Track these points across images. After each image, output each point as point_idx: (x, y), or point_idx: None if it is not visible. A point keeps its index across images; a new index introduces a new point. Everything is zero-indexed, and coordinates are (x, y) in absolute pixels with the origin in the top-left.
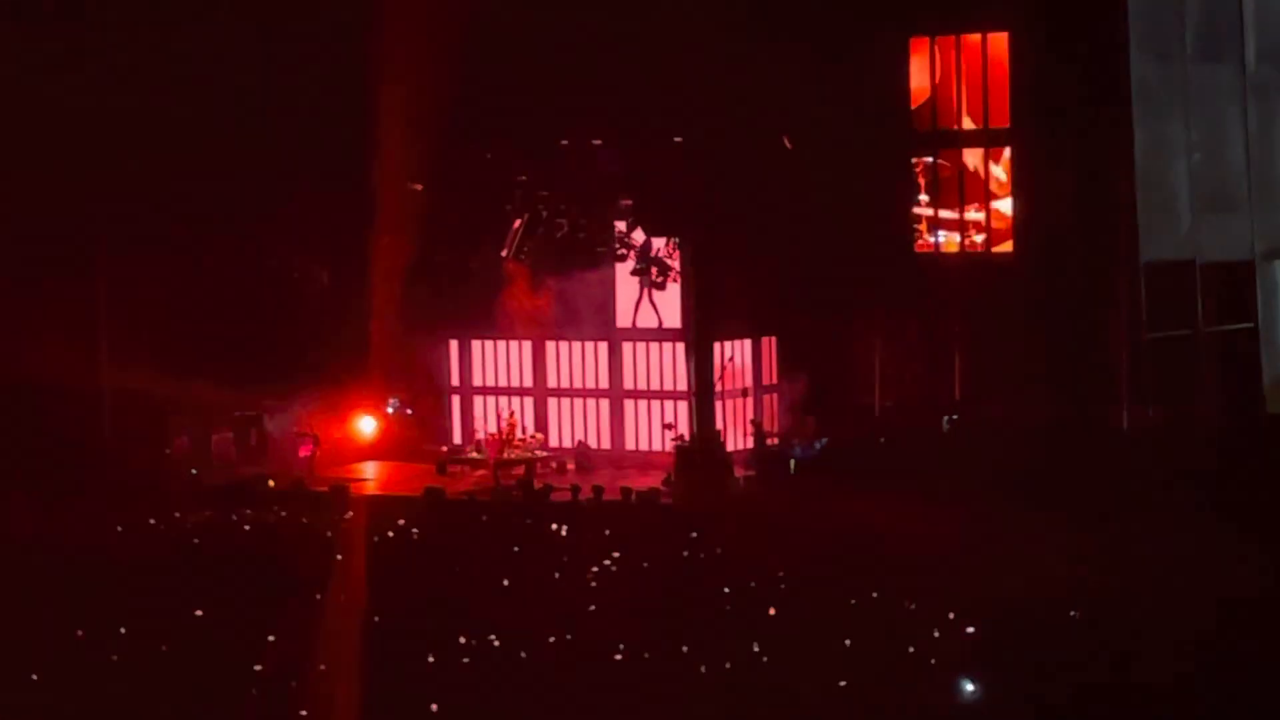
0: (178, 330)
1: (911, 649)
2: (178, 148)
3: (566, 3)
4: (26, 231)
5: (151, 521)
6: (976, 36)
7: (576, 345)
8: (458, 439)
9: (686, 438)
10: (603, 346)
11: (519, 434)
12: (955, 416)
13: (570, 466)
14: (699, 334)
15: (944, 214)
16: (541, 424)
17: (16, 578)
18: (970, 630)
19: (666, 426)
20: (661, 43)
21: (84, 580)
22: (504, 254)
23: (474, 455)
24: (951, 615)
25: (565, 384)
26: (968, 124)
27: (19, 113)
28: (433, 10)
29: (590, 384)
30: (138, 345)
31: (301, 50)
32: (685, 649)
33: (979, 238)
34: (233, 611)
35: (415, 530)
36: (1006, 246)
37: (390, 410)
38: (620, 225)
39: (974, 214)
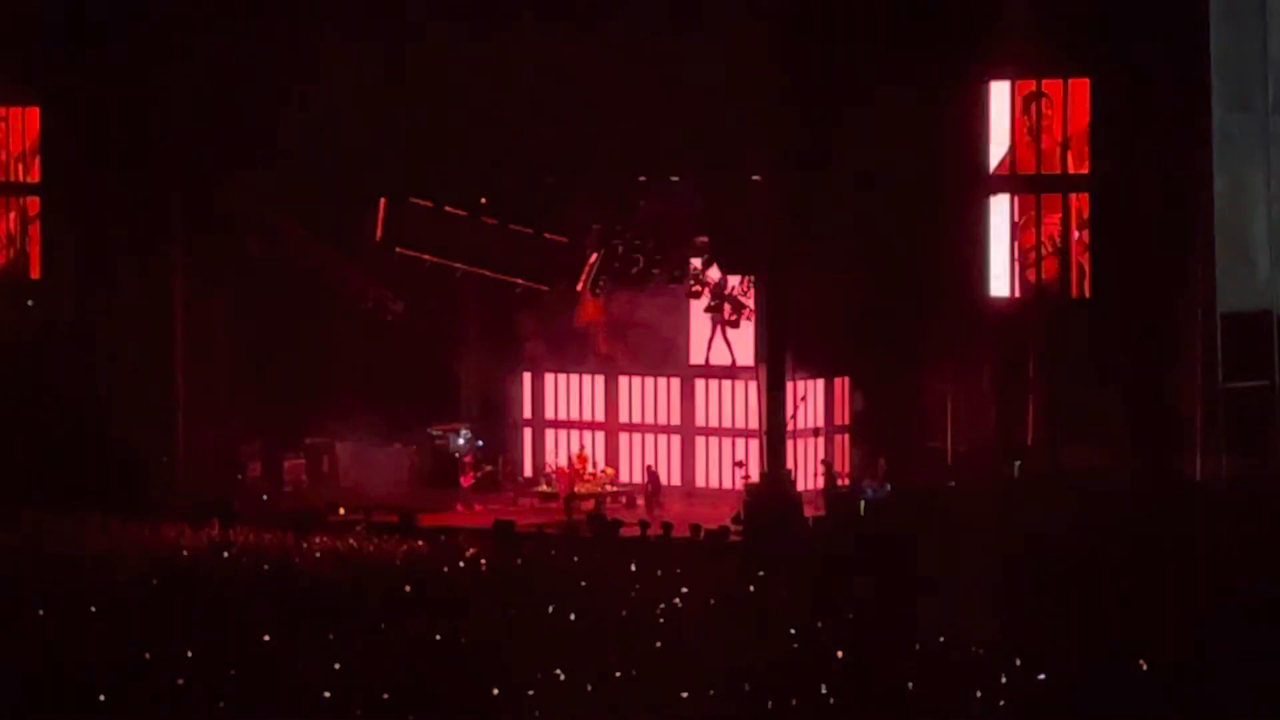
0: (252, 354)
1: (978, 694)
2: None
3: (646, 44)
4: (103, 248)
5: (219, 545)
6: (1057, 82)
7: (649, 380)
8: (528, 472)
9: (756, 476)
10: (675, 382)
11: (589, 468)
12: (1025, 462)
13: (640, 501)
14: (772, 372)
15: (1020, 258)
16: (612, 459)
17: (87, 598)
18: (1041, 677)
19: (737, 464)
20: (740, 82)
21: (153, 601)
22: (579, 288)
23: (544, 489)
24: (1019, 661)
25: (637, 419)
26: (1046, 169)
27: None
28: (515, 48)
29: (662, 420)
30: (214, 369)
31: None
32: (748, 688)
33: (1055, 283)
34: (300, 637)
35: (484, 561)
36: (1083, 292)
37: (461, 441)
38: (696, 262)
39: (1051, 259)
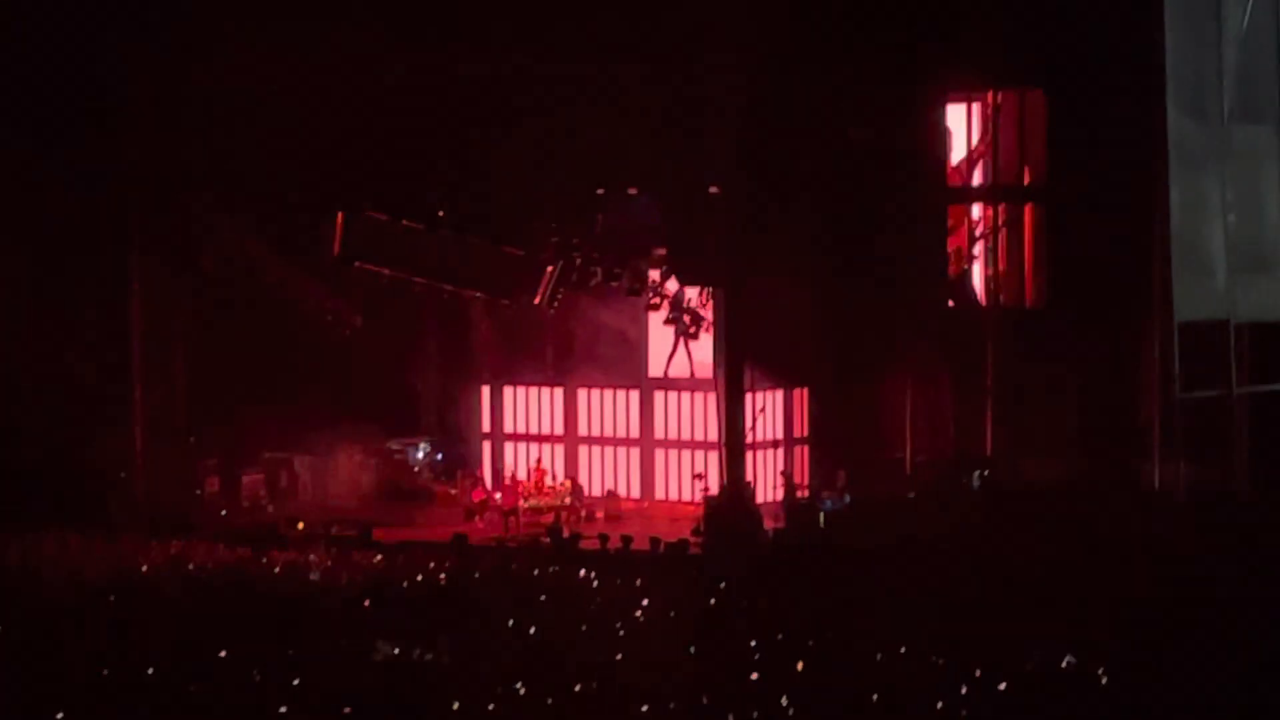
0: (210, 370)
1: (940, 704)
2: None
3: (604, 57)
4: (61, 263)
5: (179, 561)
6: (1013, 93)
7: (608, 393)
8: (488, 485)
9: (716, 488)
10: (634, 395)
11: (548, 481)
12: (986, 473)
13: (599, 515)
14: (730, 384)
15: (977, 269)
16: (571, 472)
17: (44, 614)
18: (1001, 687)
19: (697, 477)
20: (698, 94)
21: (112, 618)
22: (537, 301)
23: (496, 502)
24: (979, 671)
25: (596, 432)
26: (1003, 180)
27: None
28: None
29: (621, 432)
30: (172, 384)
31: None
32: (708, 701)
33: (1012, 294)
34: (260, 653)
35: (442, 576)
36: (1040, 301)
37: (420, 455)
38: (654, 274)
39: (1008, 270)
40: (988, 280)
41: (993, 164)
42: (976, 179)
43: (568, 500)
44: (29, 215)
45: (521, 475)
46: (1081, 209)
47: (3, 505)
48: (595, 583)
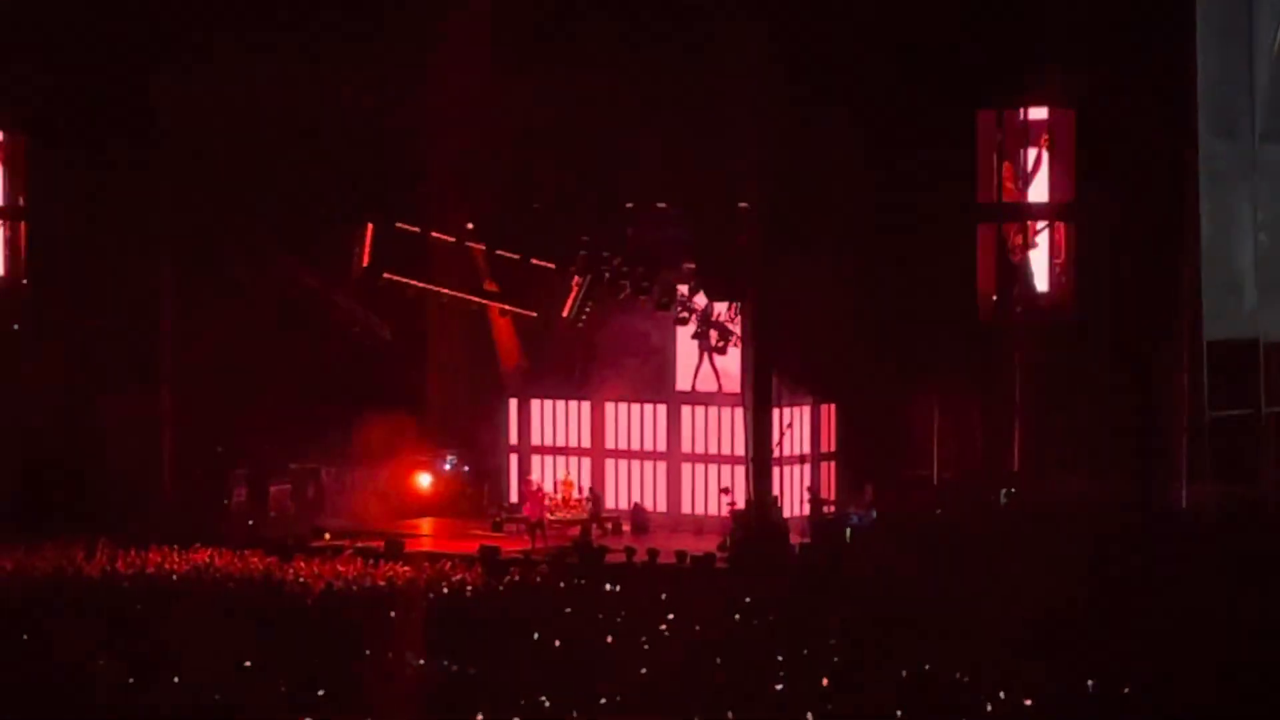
0: (239, 380)
1: None
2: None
3: (633, 70)
4: (90, 275)
5: (207, 570)
6: (1043, 111)
7: (635, 407)
8: (514, 498)
9: (742, 503)
10: (661, 409)
11: (574, 494)
12: (1013, 490)
13: (626, 528)
14: (758, 399)
15: (1007, 286)
16: (598, 485)
17: (72, 622)
18: (1027, 703)
19: (723, 491)
20: (728, 109)
21: (139, 626)
22: (565, 314)
23: (522, 514)
24: (1002, 694)
25: (623, 445)
26: (1033, 197)
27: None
28: (502, 73)
29: (648, 446)
30: (201, 395)
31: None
32: (733, 715)
33: (1041, 311)
34: (285, 663)
35: (470, 587)
36: (1070, 320)
37: (447, 467)
38: (682, 289)
39: (1037, 288)
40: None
41: (1023, 182)
42: (1029, 196)
43: (587, 509)
44: (61, 222)
45: (548, 488)
46: (1111, 227)
47: (33, 514)
48: (620, 596)
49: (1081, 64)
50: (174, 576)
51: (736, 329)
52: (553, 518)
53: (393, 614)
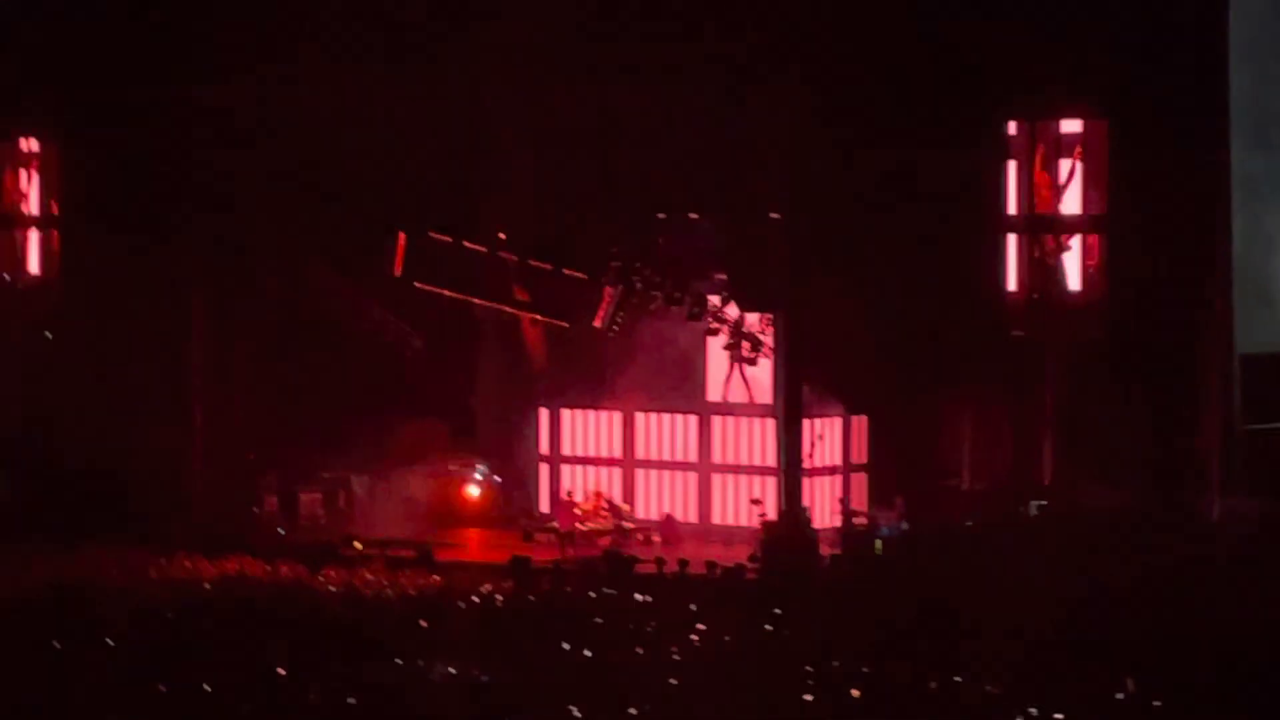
0: (269, 388)
1: None
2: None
3: (666, 81)
4: (121, 283)
5: (236, 578)
6: (1076, 121)
7: (666, 417)
8: (545, 508)
9: (773, 514)
10: (692, 419)
11: (604, 505)
12: (1044, 502)
13: (656, 539)
14: (789, 410)
15: (1038, 297)
16: (628, 495)
17: (102, 630)
18: (1058, 718)
19: (754, 502)
20: (760, 119)
21: (168, 635)
22: (597, 324)
23: (555, 524)
24: (1034, 710)
25: (653, 456)
26: (1064, 208)
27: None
28: (536, 86)
29: (678, 456)
30: (231, 402)
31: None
32: None
33: (1073, 323)
34: (315, 672)
35: (500, 597)
36: (1100, 332)
37: (478, 476)
38: (714, 299)
39: (1068, 298)
40: (1046, 309)
41: (1055, 193)
42: (1061, 208)
43: (625, 524)
44: (93, 230)
45: (578, 498)
46: (1143, 239)
47: (61, 521)
48: (651, 606)
49: (1113, 75)
50: (206, 584)
51: (768, 340)
52: (584, 528)
53: (423, 623)
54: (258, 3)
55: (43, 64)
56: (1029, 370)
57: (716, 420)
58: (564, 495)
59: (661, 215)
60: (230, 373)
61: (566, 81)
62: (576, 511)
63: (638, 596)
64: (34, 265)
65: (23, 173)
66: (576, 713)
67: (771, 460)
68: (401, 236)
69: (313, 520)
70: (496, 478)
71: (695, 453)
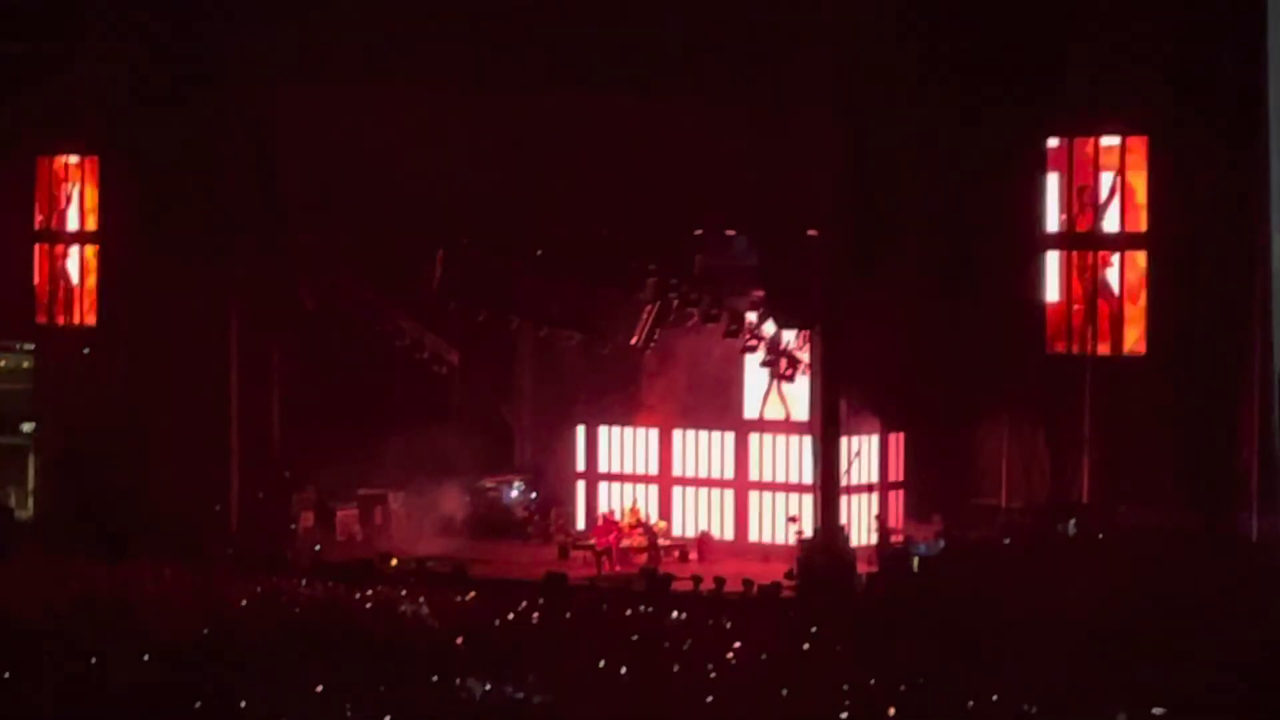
0: (307, 404)
1: None
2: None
3: (703, 98)
4: (159, 297)
5: (273, 595)
6: (1115, 139)
7: (703, 434)
8: (582, 524)
9: (810, 532)
10: (729, 436)
11: (641, 522)
12: (1081, 520)
13: (693, 556)
14: (826, 428)
15: (1076, 315)
16: (665, 512)
17: (139, 646)
18: None
19: (791, 519)
20: (798, 136)
21: (206, 650)
22: (634, 341)
23: (593, 542)
24: None
25: (690, 473)
26: (1103, 226)
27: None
28: (572, 103)
29: (715, 474)
30: (268, 419)
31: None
32: None
33: (1111, 340)
34: (352, 689)
35: (536, 614)
36: (1139, 349)
37: (515, 493)
38: (751, 316)
39: (1107, 316)
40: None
41: (1095, 210)
42: (1101, 225)
43: (661, 541)
44: (132, 246)
45: (616, 515)
46: (1182, 256)
47: (100, 539)
48: (687, 624)
49: (1152, 92)
50: (243, 601)
51: (805, 357)
52: (621, 545)
53: (459, 640)
54: (300, 19)
55: (85, 79)
56: (1067, 387)
57: (753, 437)
58: (602, 513)
59: (699, 231)
60: (267, 390)
61: (606, 99)
62: (614, 529)
63: (674, 614)
64: (74, 277)
65: (64, 187)
66: None
67: (808, 478)
68: (440, 254)
69: (349, 537)
70: (533, 494)
71: (732, 470)
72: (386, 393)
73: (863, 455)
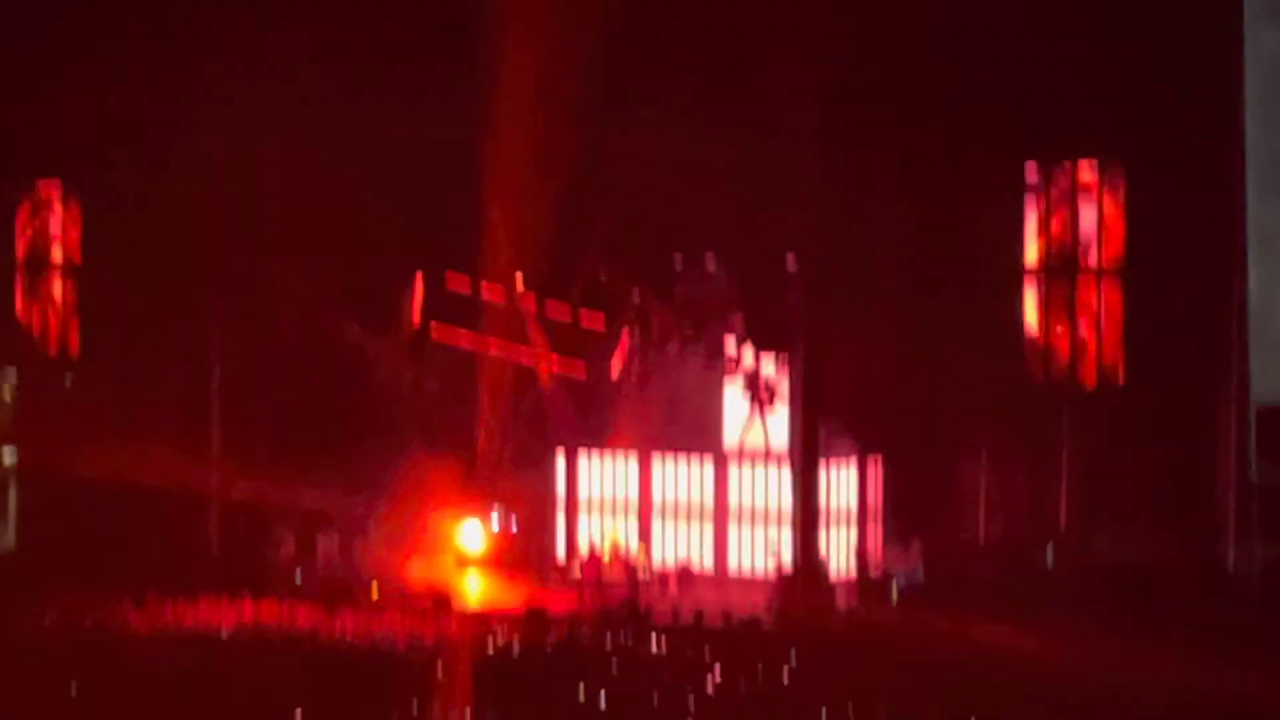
0: (287, 433)
1: None
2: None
3: (683, 126)
4: (141, 328)
5: (253, 623)
6: (1092, 167)
7: (682, 462)
8: (561, 552)
9: (789, 561)
10: (708, 465)
11: (620, 553)
12: (1060, 549)
13: (672, 588)
14: (805, 458)
15: (1054, 345)
16: (645, 542)
17: (121, 677)
18: None
19: (770, 552)
20: (776, 165)
21: (189, 681)
22: (613, 367)
23: (575, 575)
24: None
25: (670, 500)
26: (1081, 257)
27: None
28: (551, 130)
29: (695, 502)
30: (249, 447)
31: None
32: None
33: (1089, 370)
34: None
35: (516, 645)
36: (1116, 379)
37: (495, 521)
38: (730, 344)
39: (1085, 346)
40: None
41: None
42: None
43: (640, 574)
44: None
45: (596, 545)
46: (1160, 286)
47: (83, 568)
48: (666, 655)
49: (1130, 123)
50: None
51: (784, 385)
52: (601, 578)
53: (440, 670)
54: (274, 46)
55: (64, 109)
56: (1045, 417)
57: (732, 466)
58: (583, 546)
59: (678, 258)
60: (249, 419)
61: (586, 126)
62: (597, 564)
63: (654, 646)
64: (56, 305)
65: (44, 216)
66: None
67: (788, 507)
68: (418, 282)
69: (330, 564)
70: (513, 521)
71: (711, 499)
72: (367, 422)
73: (842, 484)
